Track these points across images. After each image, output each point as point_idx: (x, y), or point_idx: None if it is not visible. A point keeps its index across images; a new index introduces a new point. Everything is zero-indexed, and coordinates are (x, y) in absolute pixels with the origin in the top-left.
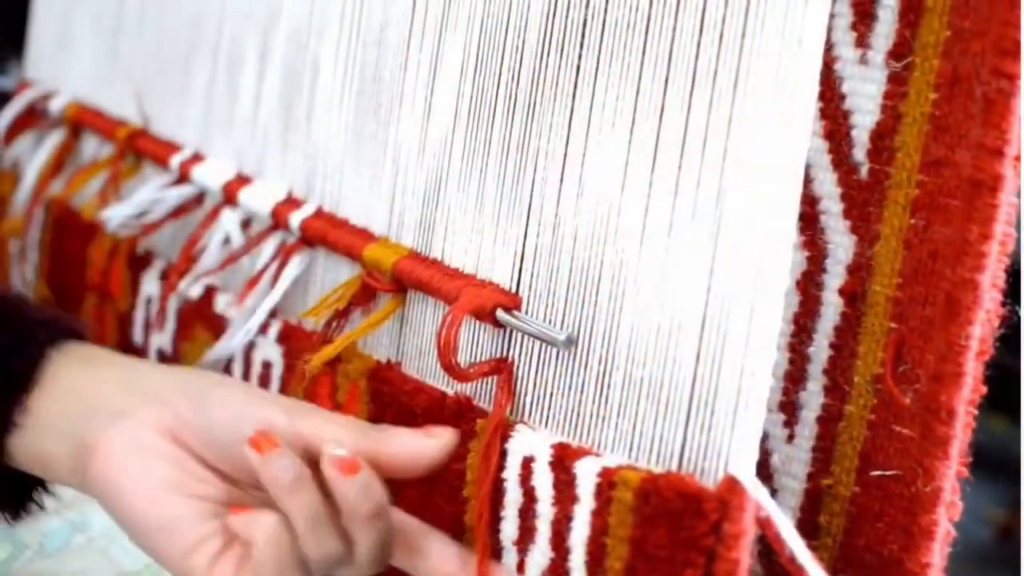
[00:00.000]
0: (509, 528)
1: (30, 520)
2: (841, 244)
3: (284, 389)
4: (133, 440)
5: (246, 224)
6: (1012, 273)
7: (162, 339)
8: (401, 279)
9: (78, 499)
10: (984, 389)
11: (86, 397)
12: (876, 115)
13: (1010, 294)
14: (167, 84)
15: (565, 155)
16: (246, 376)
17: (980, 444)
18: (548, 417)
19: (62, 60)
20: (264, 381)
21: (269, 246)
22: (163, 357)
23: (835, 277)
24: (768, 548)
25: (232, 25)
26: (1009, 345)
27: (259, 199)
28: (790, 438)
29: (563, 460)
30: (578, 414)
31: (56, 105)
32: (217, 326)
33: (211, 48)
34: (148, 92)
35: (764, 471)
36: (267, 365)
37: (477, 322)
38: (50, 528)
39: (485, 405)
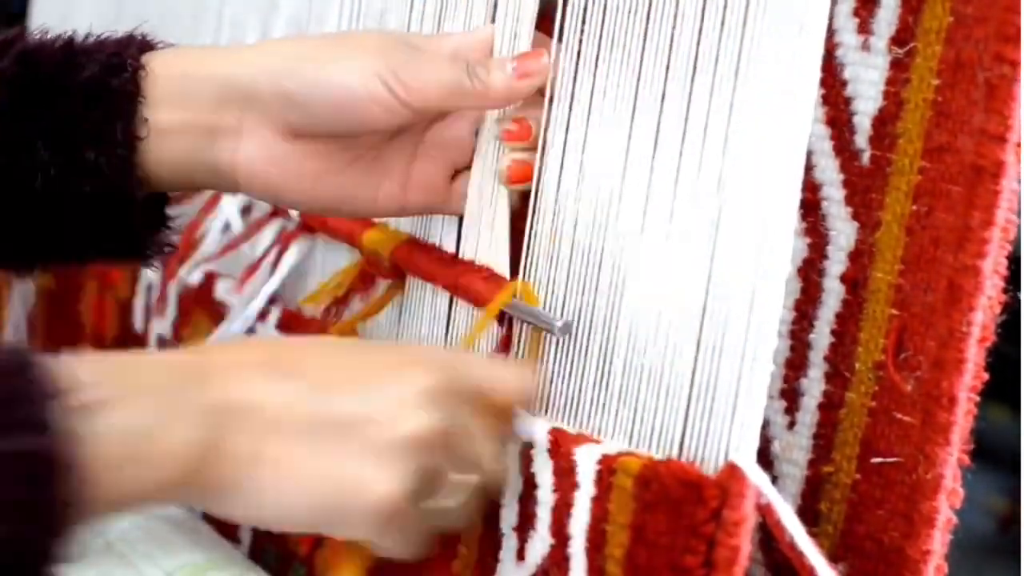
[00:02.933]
0: (509, 515)
1: None
2: (843, 231)
3: None
4: (266, 156)
5: (246, 211)
6: (1014, 260)
7: (162, 326)
8: (400, 265)
9: None
10: (985, 377)
11: (197, 114)
12: (878, 101)
13: (1012, 281)
14: None
15: (565, 141)
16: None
17: (981, 433)
18: (548, 404)
19: None
20: None
21: (269, 233)
22: (163, 344)
23: (836, 264)
24: (768, 535)
25: (233, 10)
26: (1010, 334)
27: None
28: (791, 425)
29: (563, 447)
30: (578, 401)
31: None
32: (217, 312)
33: (212, 32)
34: None
35: (765, 458)
36: None
37: (475, 309)
38: None
39: None
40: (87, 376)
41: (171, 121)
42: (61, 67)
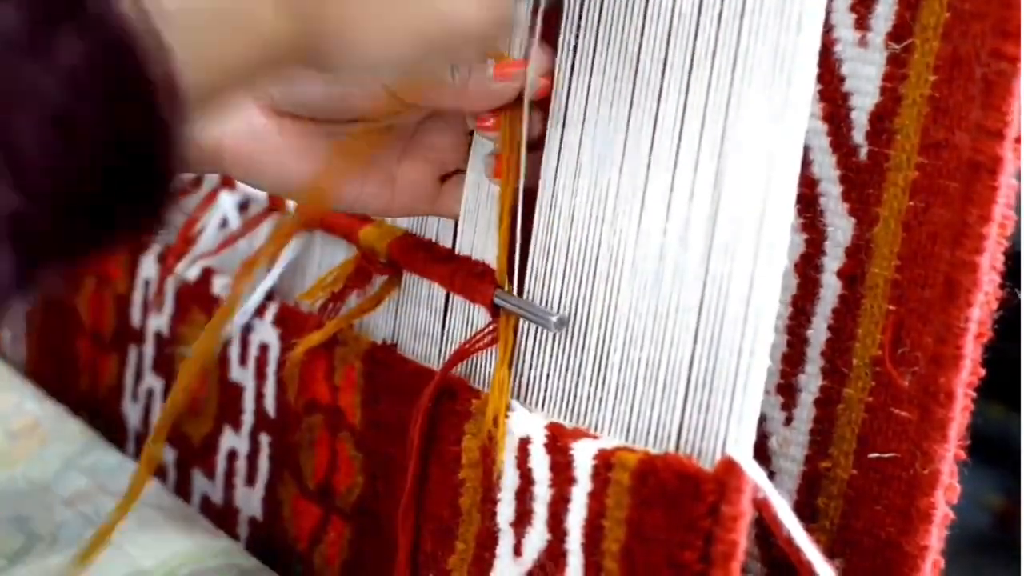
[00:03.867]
0: (506, 510)
1: (44, 513)
2: (840, 226)
3: (281, 372)
4: (249, 131)
5: (243, 206)
6: (1011, 256)
7: (160, 321)
8: (396, 261)
9: (93, 492)
10: (983, 373)
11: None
12: (875, 97)
13: (1009, 277)
14: None
15: (562, 136)
16: (243, 359)
17: (979, 430)
18: (545, 399)
19: None
20: (261, 364)
21: (266, 228)
22: (160, 339)
23: (834, 259)
24: (765, 530)
25: None
26: (1008, 331)
27: None
28: (788, 420)
29: (560, 442)
30: (575, 396)
31: None
32: (215, 308)
33: None
34: None
35: (762, 453)
36: (264, 348)
37: (471, 304)
38: (63, 520)
39: (480, 386)
40: None
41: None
42: None
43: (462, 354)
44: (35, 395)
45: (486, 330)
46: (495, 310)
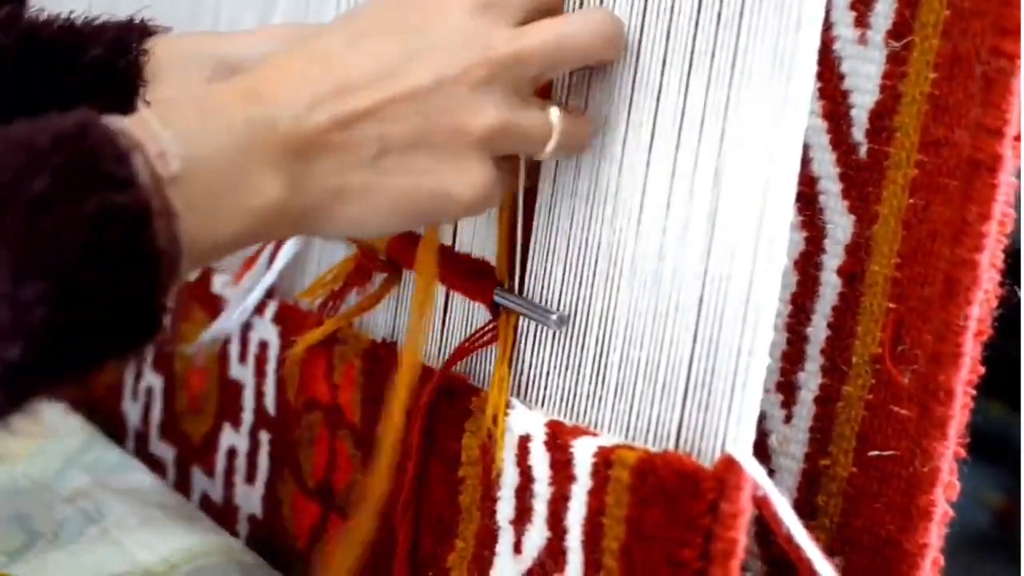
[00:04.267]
0: (506, 508)
1: (44, 511)
2: (840, 224)
3: (281, 370)
4: None
5: None
6: (1011, 253)
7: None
8: (396, 259)
9: (93, 489)
10: (982, 370)
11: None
12: (875, 95)
13: (1009, 275)
14: None
15: None
16: (242, 357)
17: (978, 428)
18: (545, 397)
19: None
20: (261, 361)
21: None
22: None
23: (833, 257)
24: (765, 528)
25: (230, 4)
26: (1008, 329)
27: None
28: (788, 418)
29: (560, 439)
30: (575, 394)
31: None
32: (214, 306)
33: (209, 27)
34: None
35: (762, 451)
36: (263, 345)
37: (471, 302)
38: (64, 517)
39: (480, 384)
40: (157, 125)
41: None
42: (65, 47)
43: (462, 352)
44: None
45: (486, 328)
46: (495, 308)
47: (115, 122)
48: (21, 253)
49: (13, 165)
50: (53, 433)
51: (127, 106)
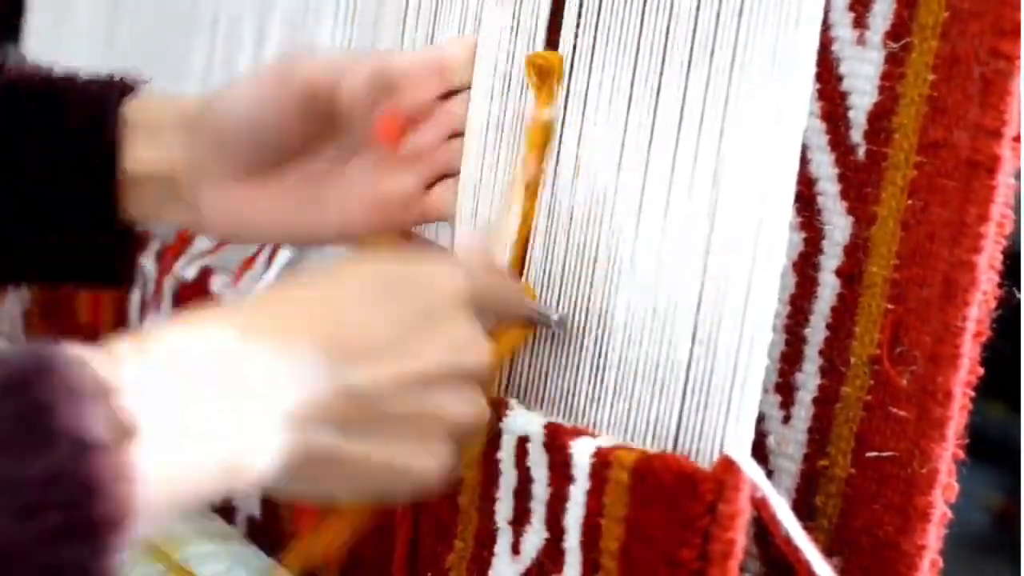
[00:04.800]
0: (504, 509)
1: None
2: (838, 225)
3: None
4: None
5: None
6: (1010, 255)
7: (158, 319)
8: None
9: None
10: (981, 371)
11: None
12: (874, 96)
13: (1008, 276)
14: (164, 64)
15: (561, 135)
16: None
17: (977, 429)
18: (544, 398)
19: (59, 39)
20: None
21: None
22: None
23: (832, 258)
24: (763, 529)
25: (229, 4)
26: (1007, 330)
27: None
28: (786, 419)
29: (558, 440)
30: (574, 394)
31: None
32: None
33: (208, 27)
34: (145, 71)
35: (760, 452)
36: None
37: None
38: None
39: None
40: (126, 375)
41: (146, 170)
42: (44, 107)
43: None
44: None
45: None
46: None
47: (78, 363)
48: None
49: None
50: None
51: (103, 176)
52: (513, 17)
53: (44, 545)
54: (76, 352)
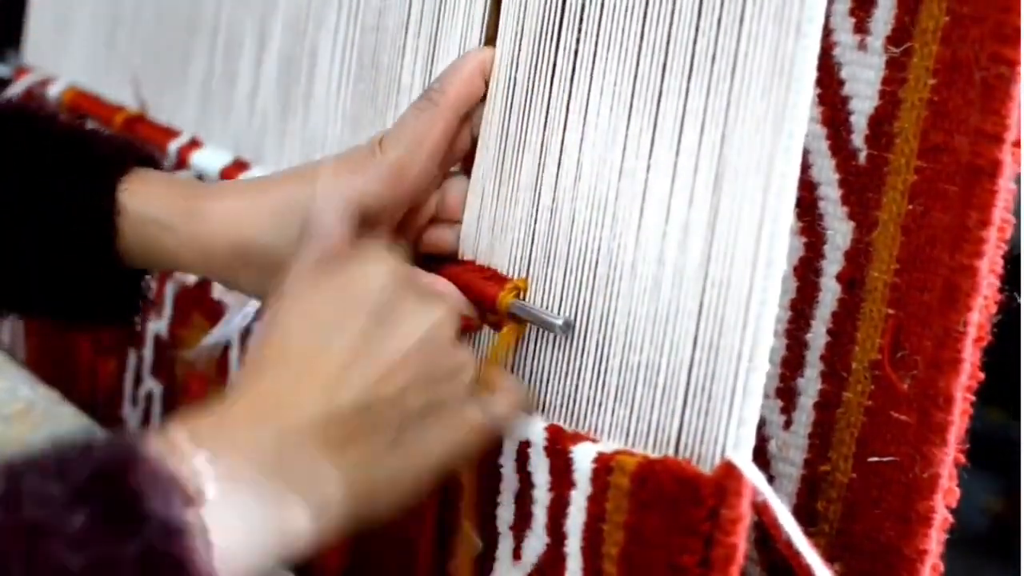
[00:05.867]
0: (505, 513)
1: None
2: (839, 230)
3: None
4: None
5: None
6: (1011, 260)
7: (159, 325)
8: None
9: None
10: (982, 376)
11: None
12: (875, 101)
13: (1008, 281)
14: (165, 69)
15: (563, 141)
16: (242, 363)
17: (978, 434)
18: (545, 402)
19: (60, 46)
20: None
21: None
22: (160, 343)
23: (833, 263)
24: (765, 534)
25: (230, 10)
26: (1007, 335)
27: None
28: (787, 424)
29: (559, 445)
30: (575, 399)
31: (54, 91)
32: (214, 312)
33: (209, 34)
34: (146, 77)
35: (761, 457)
36: None
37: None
38: None
39: None
40: (197, 459)
41: (141, 259)
42: (44, 166)
43: None
44: (29, 381)
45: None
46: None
47: (151, 452)
48: None
49: (48, 499)
50: (45, 421)
51: (97, 251)
52: (518, 23)
53: None
54: (155, 443)
